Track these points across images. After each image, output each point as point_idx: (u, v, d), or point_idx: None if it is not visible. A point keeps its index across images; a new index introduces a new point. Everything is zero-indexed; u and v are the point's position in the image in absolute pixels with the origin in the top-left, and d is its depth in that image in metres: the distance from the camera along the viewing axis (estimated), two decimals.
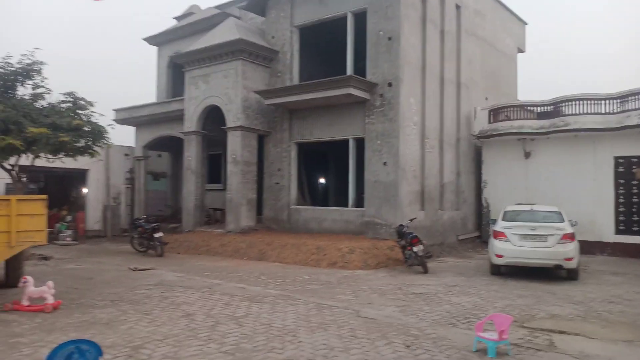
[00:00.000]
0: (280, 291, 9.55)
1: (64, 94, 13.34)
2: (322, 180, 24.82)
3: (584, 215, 15.12)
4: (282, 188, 17.83)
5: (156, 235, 15.31)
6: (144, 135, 22.78)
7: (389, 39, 15.35)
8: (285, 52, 18.05)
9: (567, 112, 16.83)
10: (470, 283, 10.65)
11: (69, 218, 20.84)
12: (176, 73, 22.94)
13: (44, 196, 9.14)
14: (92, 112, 13.44)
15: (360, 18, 16.31)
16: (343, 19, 16.75)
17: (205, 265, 13.31)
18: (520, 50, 24.07)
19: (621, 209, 15.94)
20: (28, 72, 12.78)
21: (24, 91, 13.18)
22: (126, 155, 23.21)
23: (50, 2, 65.26)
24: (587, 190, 16.34)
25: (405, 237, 12.45)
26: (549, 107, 17.47)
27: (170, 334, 6.49)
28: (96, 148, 13.94)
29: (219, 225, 19.27)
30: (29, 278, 8.08)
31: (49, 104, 13.30)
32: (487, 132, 18.40)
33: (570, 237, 10.95)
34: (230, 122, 17.62)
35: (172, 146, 23.18)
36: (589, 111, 16.47)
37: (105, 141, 13.92)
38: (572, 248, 10.87)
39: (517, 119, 17.86)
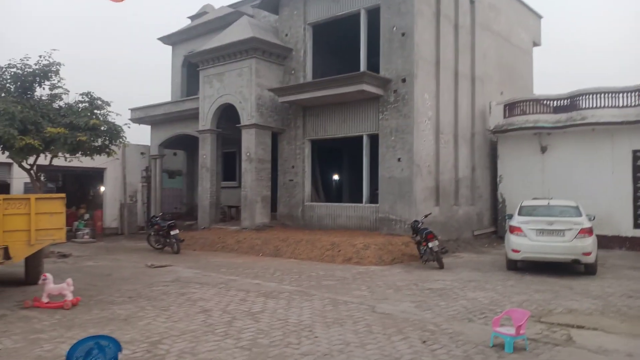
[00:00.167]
0: (296, 287, 9.58)
1: (81, 94, 13.55)
2: (336, 177, 24.85)
3: (601, 210, 14.93)
4: (296, 185, 17.86)
5: (172, 232, 15.44)
6: (160, 134, 23.01)
7: (403, 34, 15.28)
8: (298, 49, 18.07)
9: (584, 106, 16.60)
10: (487, 278, 10.58)
11: (86, 216, 21.17)
12: (190, 72, 23.12)
13: (63, 195, 9.29)
14: (108, 111, 13.66)
15: (374, 14, 16.26)
16: (356, 16, 16.72)
17: (221, 261, 13.39)
18: (536, 44, 23.82)
19: (639, 203, 15.71)
20: (46, 73, 13.00)
21: (41, 92, 13.43)
22: (142, 154, 23.46)
23: (50, 2, 65.70)
24: (605, 185, 16.13)
25: (420, 232, 12.40)
26: (565, 101, 17.25)
27: (188, 330, 6.55)
28: (113, 147, 14.16)
29: (234, 222, 19.40)
30: (49, 275, 8.17)
31: (66, 104, 13.52)
32: (502, 127, 18.24)
33: (588, 231, 10.84)
34: (245, 120, 17.71)
35: (188, 144, 23.38)
36: (606, 104, 16.23)
37: (121, 140, 14.13)
38: (590, 242, 10.75)
39: (532, 113, 17.66)
